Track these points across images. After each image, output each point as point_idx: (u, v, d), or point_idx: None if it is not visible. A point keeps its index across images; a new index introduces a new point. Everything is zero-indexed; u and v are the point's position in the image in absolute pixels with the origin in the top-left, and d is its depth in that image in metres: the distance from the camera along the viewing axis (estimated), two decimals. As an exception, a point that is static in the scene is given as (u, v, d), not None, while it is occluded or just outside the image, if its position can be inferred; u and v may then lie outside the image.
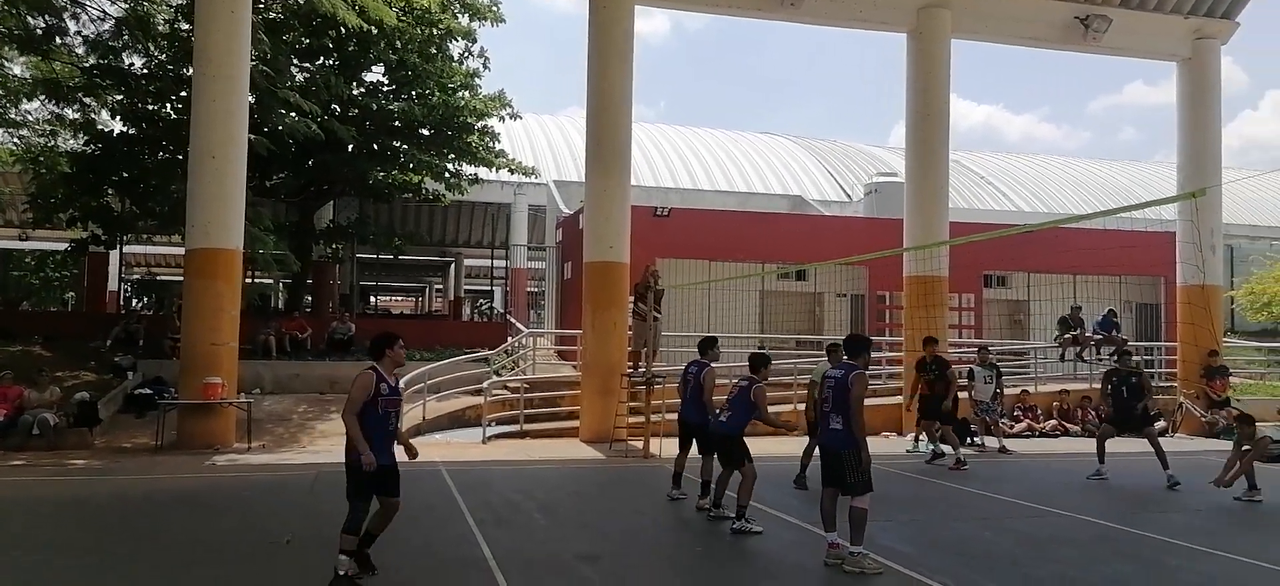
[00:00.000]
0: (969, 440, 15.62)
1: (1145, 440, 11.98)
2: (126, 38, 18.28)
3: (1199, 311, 17.32)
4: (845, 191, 31.86)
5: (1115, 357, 18.83)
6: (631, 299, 14.78)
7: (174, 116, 18.84)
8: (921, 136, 17.73)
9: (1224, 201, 20.59)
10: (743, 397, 8.42)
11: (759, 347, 20.02)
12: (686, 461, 9.70)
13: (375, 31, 18.75)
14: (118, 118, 19.46)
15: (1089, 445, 16.59)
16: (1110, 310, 20.54)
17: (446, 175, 22.17)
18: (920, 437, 14.87)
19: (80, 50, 18.94)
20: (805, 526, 8.35)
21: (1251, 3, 19.53)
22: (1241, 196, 32.93)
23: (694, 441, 9.53)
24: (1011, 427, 17.07)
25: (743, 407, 8.41)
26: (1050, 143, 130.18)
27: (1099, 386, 19.17)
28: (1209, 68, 19.39)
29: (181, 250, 15.51)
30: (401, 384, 6.20)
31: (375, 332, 6.67)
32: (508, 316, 27.48)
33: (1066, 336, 19.63)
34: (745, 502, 8.11)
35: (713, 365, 9.51)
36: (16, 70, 19.89)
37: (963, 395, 15.00)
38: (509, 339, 21.23)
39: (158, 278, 43.22)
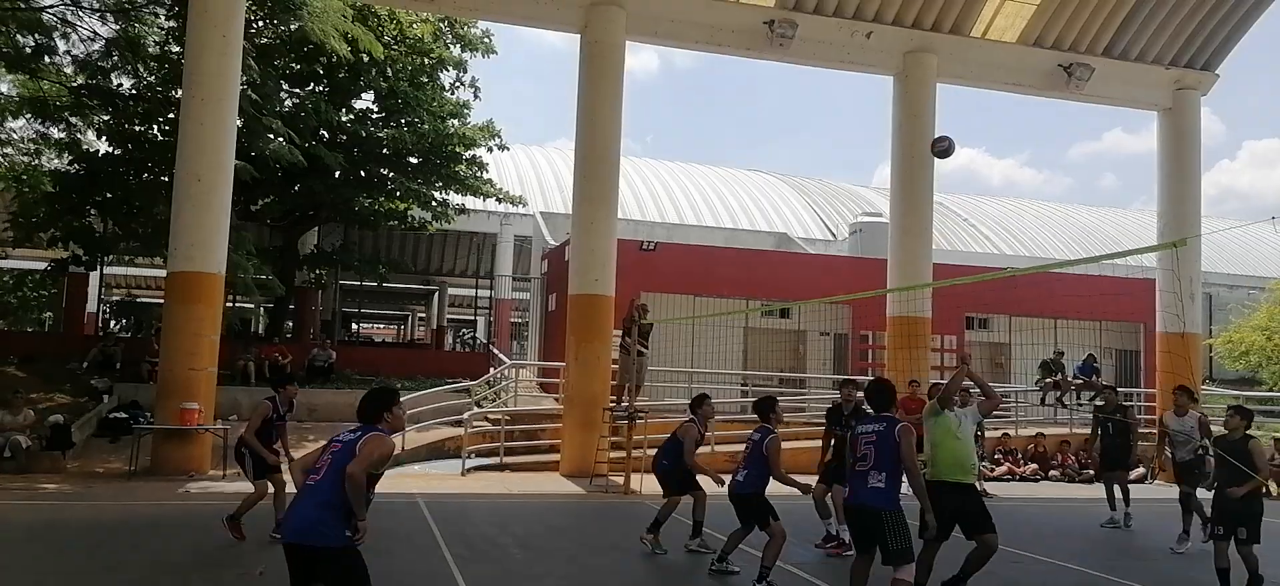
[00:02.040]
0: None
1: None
2: (116, 58, 18.25)
3: (1178, 359, 17.43)
4: (830, 230, 32.05)
5: (1094, 397, 18.83)
6: (618, 333, 14.74)
7: (160, 138, 18.77)
8: (906, 178, 17.89)
9: (1203, 250, 20.84)
10: (756, 452, 7.64)
11: (742, 385, 20.26)
12: (672, 507, 9.15)
13: (366, 58, 18.83)
14: (104, 138, 19.36)
15: (1069, 490, 16.72)
16: (1090, 355, 20.69)
17: (433, 204, 22.16)
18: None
19: (69, 70, 18.87)
20: (807, 578, 8.23)
21: (1230, 55, 19.94)
22: (1220, 245, 33.35)
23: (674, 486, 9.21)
24: (992, 471, 17.09)
25: (757, 463, 7.62)
26: (1031, 187, 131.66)
27: (1078, 431, 19.38)
28: (1189, 118, 19.70)
29: (163, 272, 15.39)
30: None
31: (374, 387, 5.52)
32: (490, 347, 27.35)
33: (1048, 381, 19.73)
34: (769, 564, 7.28)
35: (693, 421, 9.09)
36: (3, 88, 19.80)
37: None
38: (491, 369, 21.11)
39: (137, 300, 42.81)
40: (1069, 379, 19.81)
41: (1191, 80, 19.69)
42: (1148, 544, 10.94)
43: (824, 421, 10.21)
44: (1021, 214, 38.73)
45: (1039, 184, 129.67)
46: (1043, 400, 20.07)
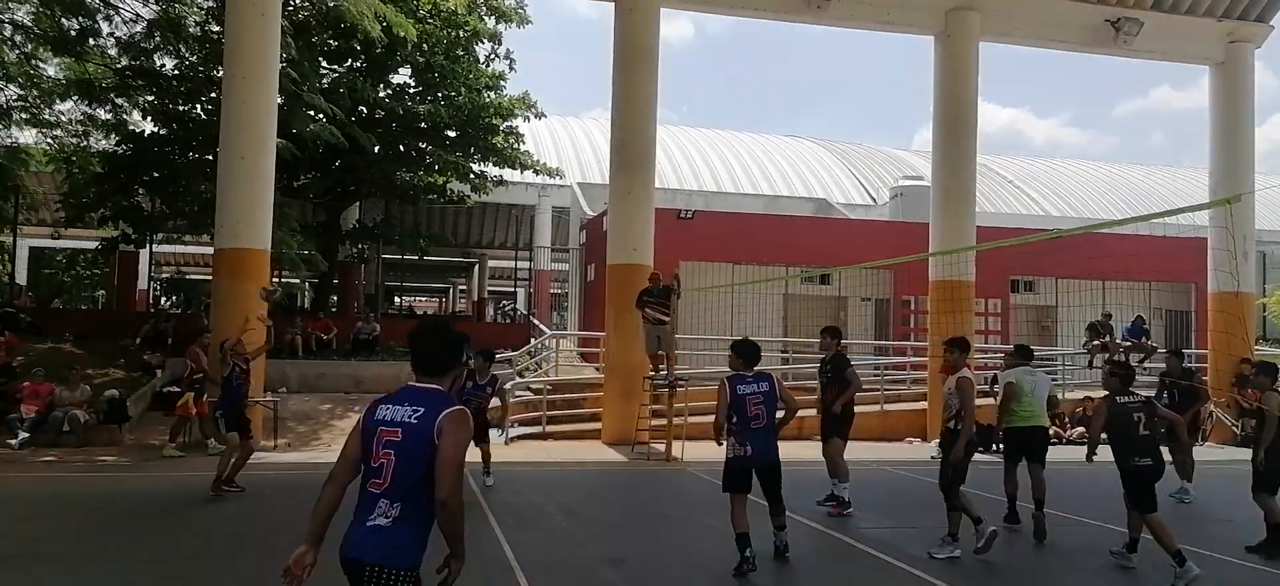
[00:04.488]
0: (995, 447, 15.47)
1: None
2: (158, 39, 18.50)
3: (1232, 319, 17.05)
4: (870, 195, 31.69)
5: (1144, 360, 18.35)
6: (646, 303, 14.35)
7: (204, 117, 19.06)
8: (948, 140, 17.59)
9: (1257, 207, 20.29)
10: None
11: (782, 352, 20.18)
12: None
13: (402, 34, 18.91)
14: (149, 118, 19.70)
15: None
16: (1139, 316, 20.29)
17: (471, 176, 22.27)
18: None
19: (113, 51, 19.19)
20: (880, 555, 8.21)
21: (1286, 5, 19.26)
22: (1274, 202, 32.40)
23: None
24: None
25: None
26: (1077, 147, 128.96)
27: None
28: (1242, 72, 19.12)
29: (210, 249, 15.67)
30: None
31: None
32: (531, 318, 27.53)
33: (1095, 343, 19.41)
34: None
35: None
36: (50, 71, 20.19)
37: (990, 402, 14.83)
38: (532, 340, 21.27)
39: (187, 276, 43.73)
40: (1117, 341, 19.47)
41: (1244, 32, 19.07)
42: (1202, 508, 10.75)
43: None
44: (1066, 174, 37.92)
45: (1085, 143, 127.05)
46: (1090, 363, 19.75)
